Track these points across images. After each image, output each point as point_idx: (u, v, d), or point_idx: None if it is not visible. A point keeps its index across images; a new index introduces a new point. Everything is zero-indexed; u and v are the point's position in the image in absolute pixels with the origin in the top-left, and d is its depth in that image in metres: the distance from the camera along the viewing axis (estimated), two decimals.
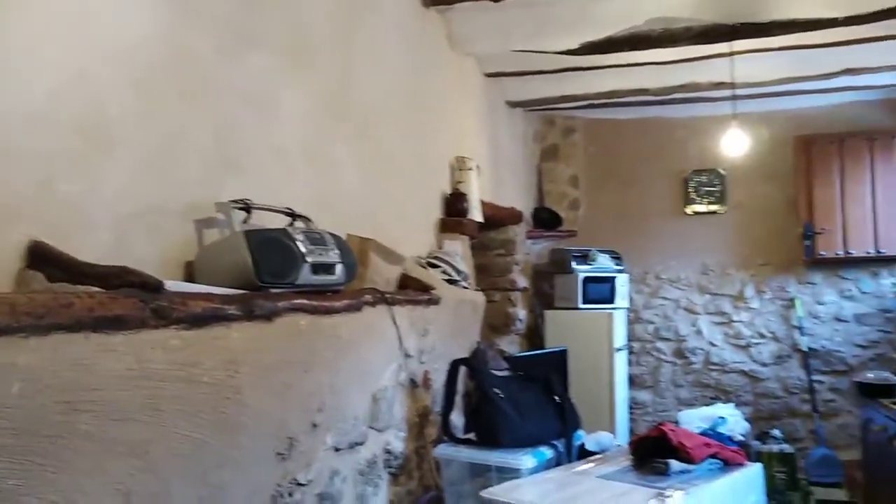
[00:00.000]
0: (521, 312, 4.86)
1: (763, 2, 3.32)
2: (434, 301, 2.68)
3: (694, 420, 4.31)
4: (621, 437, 4.41)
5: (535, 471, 2.30)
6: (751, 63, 3.97)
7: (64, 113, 1.34)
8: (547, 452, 2.44)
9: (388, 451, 2.31)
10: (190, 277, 1.62)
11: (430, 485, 2.59)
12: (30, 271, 1.22)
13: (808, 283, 5.29)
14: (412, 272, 2.70)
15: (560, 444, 2.51)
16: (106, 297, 1.13)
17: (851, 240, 4.92)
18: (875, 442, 3.56)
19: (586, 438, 2.66)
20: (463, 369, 2.76)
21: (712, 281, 5.51)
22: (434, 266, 3.09)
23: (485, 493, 2.01)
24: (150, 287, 1.23)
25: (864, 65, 4.12)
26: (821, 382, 5.21)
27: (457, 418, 2.76)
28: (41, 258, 1.22)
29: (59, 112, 1.33)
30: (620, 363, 5.00)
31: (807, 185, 5.03)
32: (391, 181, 2.90)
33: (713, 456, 2.17)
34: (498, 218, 4.43)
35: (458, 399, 2.84)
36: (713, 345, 5.49)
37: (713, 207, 5.49)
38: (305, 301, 1.69)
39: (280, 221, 1.84)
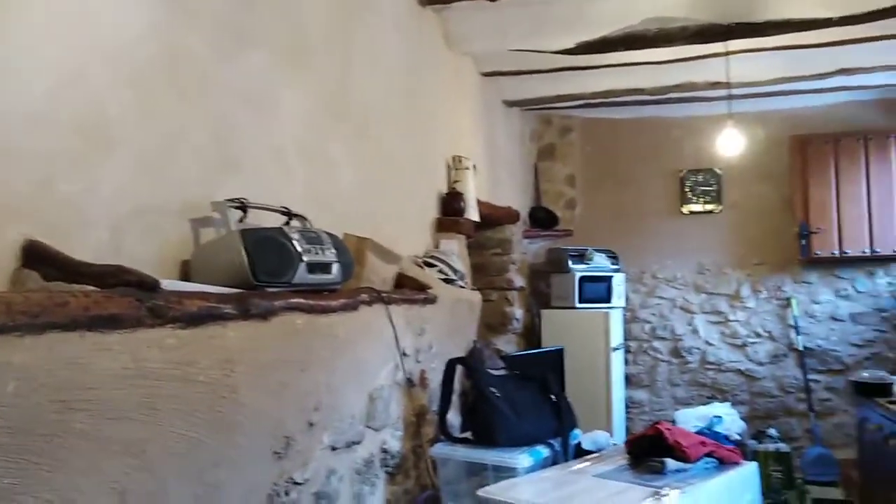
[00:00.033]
0: (518, 312, 4.86)
1: (758, 2, 3.33)
2: (430, 300, 2.68)
3: (690, 419, 4.31)
4: (618, 437, 4.41)
5: (532, 470, 2.30)
6: (746, 63, 3.98)
7: (62, 113, 1.34)
8: (543, 451, 2.44)
9: (384, 451, 2.31)
10: (186, 276, 1.62)
11: (426, 484, 2.59)
12: (25, 270, 1.22)
13: (804, 282, 5.30)
14: (409, 271, 2.70)
15: (556, 443, 2.51)
16: (101, 296, 1.13)
17: (847, 239, 4.94)
18: (870, 441, 3.57)
19: (583, 437, 2.66)
20: (460, 368, 2.77)
21: (708, 280, 5.52)
22: (430, 265, 3.09)
23: (481, 492, 2.01)
24: (146, 286, 1.23)
25: (859, 65, 4.14)
26: (817, 381, 5.22)
27: (453, 417, 2.77)
28: (37, 257, 1.22)
29: (58, 112, 1.33)
30: (617, 362, 5.00)
31: (802, 184, 5.04)
32: (388, 180, 2.90)
33: (709, 455, 2.18)
34: (495, 217, 4.43)
35: (455, 398, 2.84)
36: (709, 344, 5.50)
37: (709, 207, 5.51)
38: (302, 300, 1.69)
39: (276, 220, 1.85)
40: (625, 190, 5.63)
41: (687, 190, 5.54)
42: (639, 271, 5.61)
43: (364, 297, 2.08)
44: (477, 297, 3.48)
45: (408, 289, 2.57)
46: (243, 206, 1.72)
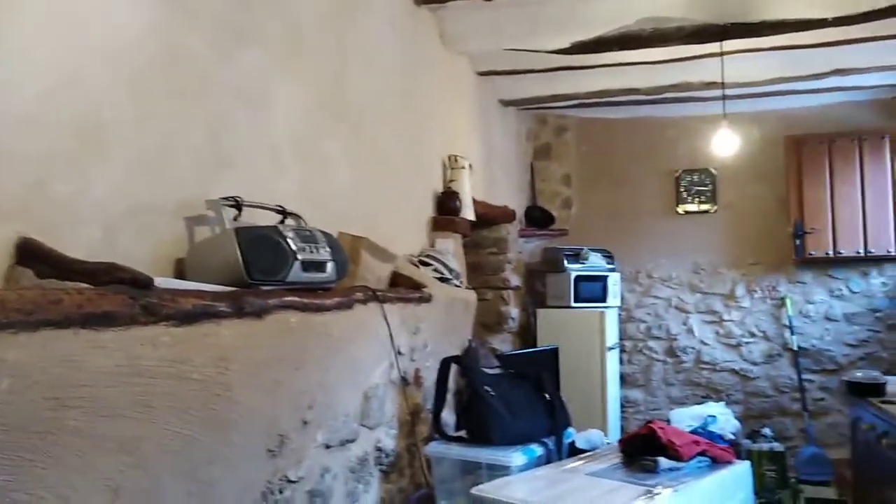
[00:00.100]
0: (514, 311, 4.87)
1: (753, 2, 3.34)
2: (425, 299, 2.68)
3: (685, 418, 4.33)
4: (613, 436, 4.43)
5: (525, 468, 2.31)
6: (741, 63, 3.99)
7: (56, 113, 1.34)
8: (537, 450, 2.44)
9: (379, 449, 2.32)
10: (180, 275, 1.62)
11: (421, 482, 2.60)
12: (19, 268, 1.22)
13: (799, 282, 5.32)
14: (404, 270, 2.71)
15: (550, 441, 2.52)
16: (95, 293, 1.13)
17: (841, 239, 4.96)
18: (863, 441, 3.59)
19: (577, 436, 2.66)
20: (454, 367, 2.77)
21: (703, 280, 5.54)
22: (426, 264, 3.10)
23: (475, 491, 2.02)
24: (140, 284, 1.23)
25: (854, 65, 4.16)
26: (811, 381, 5.25)
27: (448, 416, 2.77)
28: (30, 255, 1.22)
29: (52, 112, 1.33)
30: (612, 362, 5.02)
31: (797, 184, 5.06)
32: (383, 179, 2.91)
33: (702, 454, 2.19)
34: (490, 216, 4.44)
35: (450, 397, 2.84)
36: (704, 343, 5.52)
37: (704, 207, 5.52)
38: (296, 298, 1.70)
39: (271, 219, 1.85)
40: (620, 190, 5.64)
41: (682, 190, 5.55)
42: (634, 271, 5.62)
43: (359, 295, 2.08)
44: (472, 296, 3.48)
45: (403, 287, 2.57)
46: (238, 205, 1.73)
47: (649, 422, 2.29)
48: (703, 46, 3.76)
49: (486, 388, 2.56)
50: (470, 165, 3.81)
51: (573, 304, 4.97)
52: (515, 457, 2.33)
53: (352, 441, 2.10)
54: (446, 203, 3.59)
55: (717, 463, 2.21)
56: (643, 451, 2.19)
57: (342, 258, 1.89)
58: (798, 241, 5.01)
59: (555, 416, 2.60)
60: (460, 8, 3.43)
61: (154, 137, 1.60)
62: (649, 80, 4.53)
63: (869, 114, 5.12)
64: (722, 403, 5.03)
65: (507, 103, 5.13)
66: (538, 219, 5.54)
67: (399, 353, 2.43)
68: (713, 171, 5.46)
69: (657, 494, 1.89)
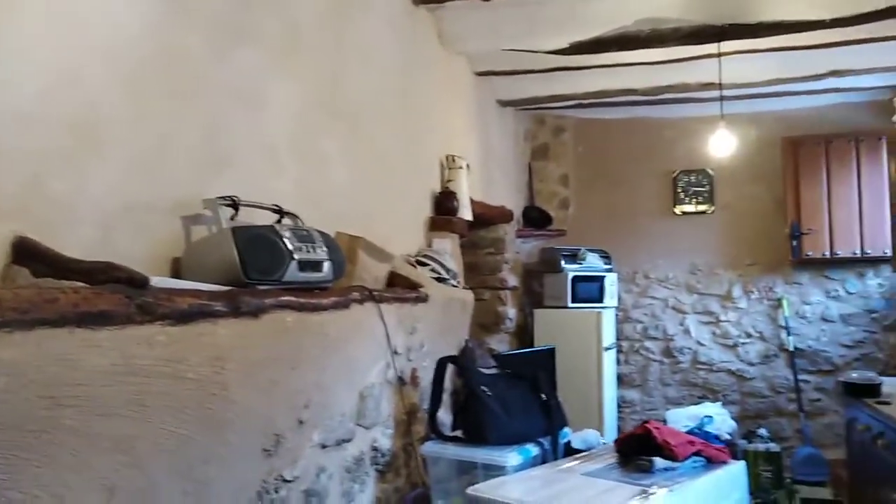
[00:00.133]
0: (511, 311, 4.87)
1: (751, 3, 3.34)
2: (422, 299, 2.69)
3: (681, 419, 4.33)
4: (609, 436, 4.43)
5: (521, 468, 2.31)
6: (739, 64, 4.00)
7: (53, 111, 1.34)
8: (533, 450, 2.45)
9: (375, 449, 2.32)
10: (177, 274, 1.63)
11: (417, 482, 2.60)
12: (15, 267, 1.22)
13: (795, 283, 5.33)
14: (401, 270, 2.71)
15: (546, 441, 2.53)
16: (91, 292, 1.13)
17: (838, 240, 4.97)
18: (859, 441, 3.59)
19: (572, 436, 2.67)
20: (451, 367, 2.77)
21: (700, 280, 5.54)
22: (423, 264, 3.10)
23: (470, 490, 2.02)
24: (136, 283, 1.23)
25: (851, 67, 4.17)
26: (807, 382, 5.25)
27: (444, 416, 2.77)
28: (26, 254, 1.22)
29: (49, 110, 1.33)
30: (609, 362, 5.02)
31: (794, 185, 5.07)
32: (381, 179, 2.91)
33: (697, 454, 2.19)
34: (488, 216, 4.44)
35: (447, 397, 2.85)
36: (701, 344, 5.52)
37: (701, 207, 5.53)
38: (292, 298, 1.70)
39: (268, 218, 1.85)
40: (618, 190, 5.64)
41: (679, 190, 5.56)
42: (631, 271, 5.63)
43: (355, 295, 2.09)
44: (469, 296, 3.49)
45: (400, 287, 2.58)
46: (235, 204, 1.73)
47: (645, 422, 2.29)
48: (700, 47, 3.77)
49: (482, 387, 2.56)
50: (468, 165, 3.81)
51: (570, 305, 4.97)
52: (511, 457, 2.34)
53: (348, 441, 2.10)
54: (444, 203, 3.59)
55: (712, 463, 2.22)
56: (639, 451, 2.20)
57: (339, 258, 1.89)
58: (795, 242, 5.02)
59: (551, 416, 2.60)
60: (458, 8, 3.43)
61: (151, 136, 1.60)
62: (647, 81, 4.53)
63: (866, 115, 5.13)
64: (718, 404, 5.03)
65: (505, 103, 5.13)
66: (536, 219, 5.54)
67: (396, 352, 2.43)
68: (710, 171, 5.46)
69: (652, 494, 1.90)
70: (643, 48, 3.73)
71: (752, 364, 5.40)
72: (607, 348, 4.97)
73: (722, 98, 4.09)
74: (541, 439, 2.52)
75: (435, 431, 2.61)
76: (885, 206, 4.70)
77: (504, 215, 4.79)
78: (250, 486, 1.62)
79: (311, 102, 2.34)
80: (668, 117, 5.44)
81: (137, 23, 1.57)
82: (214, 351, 1.42)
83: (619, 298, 5.43)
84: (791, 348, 5.25)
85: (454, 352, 3.08)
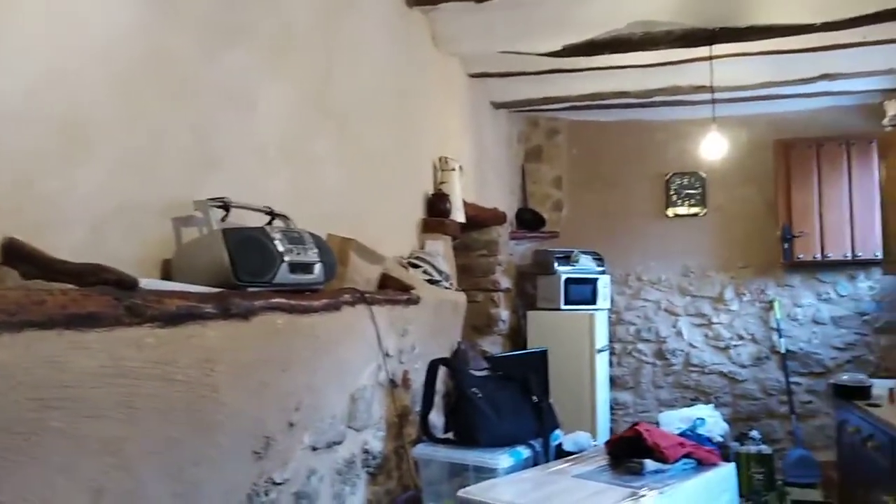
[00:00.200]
0: (504, 313, 4.88)
1: (742, 7, 3.36)
2: (414, 301, 2.69)
3: (674, 421, 4.36)
4: (602, 438, 4.43)
5: (512, 470, 2.32)
6: (730, 67, 4.02)
7: (42, 111, 1.34)
8: (524, 452, 2.45)
9: (366, 451, 2.32)
10: (167, 276, 1.62)
11: (408, 484, 2.60)
12: (4, 268, 1.22)
13: (787, 285, 5.35)
14: (393, 272, 2.71)
15: (537, 443, 2.53)
16: (79, 294, 1.13)
17: (829, 243, 4.99)
18: (849, 443, 3.61)
19: (564, 438, 2.68)
20: (443, 369, 2.78)
21: (692, 283, 5.56)
22: (415, 266, 3.10)
23: (461, 493, 2.02)
24: (125, 285, 1.23)
25: (841, 70, 4.19)
26: (798, 384, 5.28)
27: (436, 418, 2.77)
28: (15, 255, 1.22)
29: (38, 111, 1.33)
30: (602, 364, 5.04)
31: (785, 188, 5.09)
32: (373, 181, 2.91)
33: (687, 456, 2.20)
34: (481, 219, 4.45)
35: (439, 399, 2.85)
36: (693, 346, 5.54)
37: (694, 210, 5.55)
38: (283, 300, 1.70)
39: (259, 220, 1.85)
40: (611, 192, 5.66)
41: (672, 193, 5.58)
42: (624, 273, 5.64)
43: (347, 297, 2.09)
44: (462, 298, 3.49)
45: (391, 289, 2.58)
46: (226, 206, 1.73)
47: (635, 424, 2.30)
48: (692, 50, 3.79)
49: (472, 389, 2.57)
50: (461, 167, 3.82)
51: (563, 307, 4.99)
52: (502, 459, 2.34)
53: (339, 443, 2.10)
54: (436, 205, 3.60)
55: (702, 465, 2.22)
56: (629, 453, 2.20)
57: (330, 260, 1.89)
58: (786, 245, 5.05)
59: (542, 419, 2.61)
60: (452, 10, 3.44)
61: (141, 137, 1.59)
62: (640, 84, 4.55)
63: (857, 118, 5.16)
64: (710, 406, 5.08)
65: (498, 105, 5.14)
66: (529, 221, 5.55)
67: (387, 355, 2.43)
68: (702, 174, 5.49)
69: (643, 496, 1.90)
70: (636, 51, 3.75)
71: (743, 366, 5.42)
72: (600, 350, 4.99)
73: (714, 101, 4.11)
74: (532, 441, 2.52)
75: (426, 433, 2.61)
76: (876, 208, 4.72)
77: (497, 217, 4.80)
78: (240, 488, 1.62)
79: (302, 103, 2.34)
80: (660, 120, 5.47)
81: (127, 23, 1.56)
82: (204, 353, 1.42)
83: (612, 300, 5.45)
84: (783, 350, 5.28)
85: (446, 354, 3.08)
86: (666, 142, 5.54)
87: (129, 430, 1.24)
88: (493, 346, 4.78)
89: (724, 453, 4.11)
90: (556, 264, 5.07)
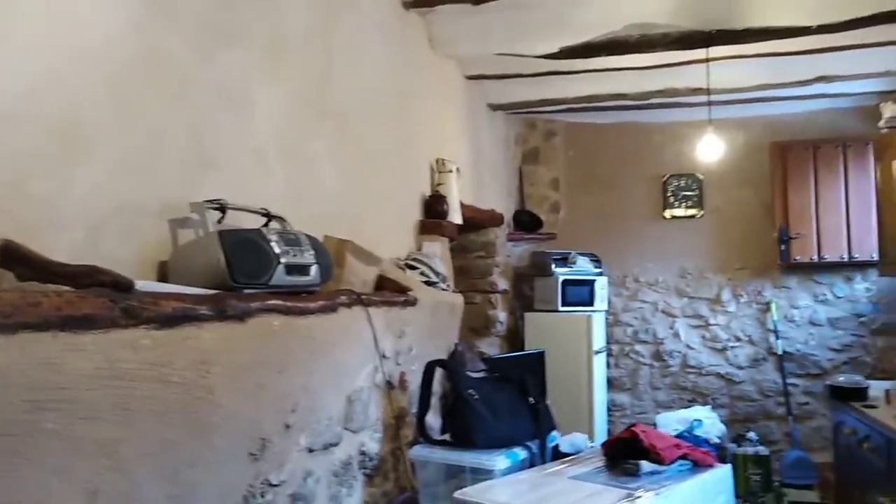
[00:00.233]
0: (502, 314, 4.88)
1: (739, 9, 3.37)
2: (411, 302, 2.69)
3: (671, 422, 4.37)
4: (600, 439, 4.43)
5: (509, 472, 2.32)
6: (727, 69, 4.03)
7: (37, 113, 1.34)
8: (520, 453, 2.45)
9: (362, 453, 2.32)
10: (164, 278, 1.62)
11: (405, 486, 2.60)
12: None
13: (784, 287, 5.36)
14: (389, 273, 2.71)
15: (534, 445, 2.53)
16: (75, 296, 1.13)
17: (825, 245, 5.00)
18: (846, 445, 3.62)
19: (561, 440, 2.68)
20: (440, 371, 2.78)
21: (690, 284, 5.57)
22: (412, 268, 3.10)
23: (458, 494, 2.03)
24: (121, 286, 1.23)
25: (838, 73, 4.20)
26: (795, 385, 5.28)
27: (433, 420, 2.78)
28: (11, 257, 1.22)
29: (33, 112, 1.33)
30: (599, 365, 5.04)
31: (782, 190, 5.10)
32: (370, 182, 2.91)
33: (683, 457, 2.20)
34: (478, 220, 4.45)
35: (435, 401, 2.85)
36: (690, 348, 5.55)
37: (691, 211, 5.55)
38: (279, 302, 1.70)
39: (255, 222, 1.85)
40: (608, 194, 5.67)
41: (669, 194, 5.59)
42: (621, 275, 5.65)
43: (343, 298, 2.09)
44: (459, 299, 3.49)
45: (388, 291, 2.58)
46: (222, 207, 1.73)
47: (632, 425, 2.30)
48: (689, 53, 3.80)
49: (469, 391, 2.57)
50: (458, 169, 3.82)
51: (561, 308, 4.98)
52: (499, 460, 2.34)
53: (335, 445, 2.10)
54: (433, 206, 3.60)
55: (698, 466, 2.23)
56: (626, 454, 2.21)
57: (327, 261, 1.89)
58: (783, 247, 5.05)
59: (539, 420, 2.61)
60: (449, 12, 3.44)
61: (137, 138, 1.60)
62: (636, 86, 4.56)
63: (853, 120, 5.17)
64: (708, 407, 5.08)
65: (495, 107, 5.14)
66: (526, 223, 5.55)
67: (384, 356, 2.43)
68: (699, 176, 5.49)
69: (639, 498, 1.91)
70: (632, 53, 3.75)
71: (741, 368, 5.43)
72: (597, 352, 4.99)
73: (710, 103, 4.12)
74: (529, 443, 2.52)
75: (423, 435, 2.61)
76: (872, 210, 4.73)
77: (494, 219, 4.80)
78: (236, 490, 1.62)
79: (299, 105, 2.34)
80: (657, 122, 5.47)
81: (124, 24, 1.57)
82: (200, 355, 1.42)
83: (610, 302, 5.45)
84: (779, 352, 5.28)
85: (443, 355, 3.08)
86: (663, 144, 5.55)
87: (124, 431, 1.24)
88: (491, 347, 4.79)
89: (722, 455, 4.12)
90: (553, 266, 5.07)
